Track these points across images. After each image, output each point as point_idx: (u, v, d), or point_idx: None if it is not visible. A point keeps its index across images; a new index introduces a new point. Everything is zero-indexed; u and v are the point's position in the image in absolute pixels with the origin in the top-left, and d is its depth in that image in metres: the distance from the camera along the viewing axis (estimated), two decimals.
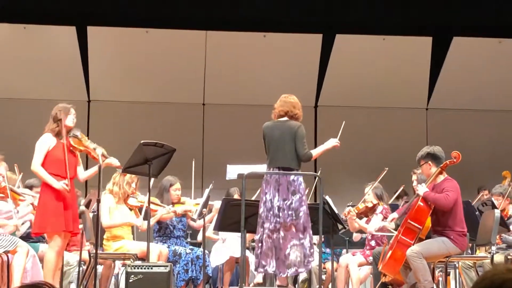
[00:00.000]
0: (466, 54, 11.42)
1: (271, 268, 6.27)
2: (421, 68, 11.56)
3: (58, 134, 6.14)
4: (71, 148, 6.18)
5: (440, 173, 6.59)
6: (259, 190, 6.97)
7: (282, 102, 6.51)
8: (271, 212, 6.27)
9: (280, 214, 6.24)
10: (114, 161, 6.38)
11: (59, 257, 6.15)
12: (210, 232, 7.91)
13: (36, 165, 6.06)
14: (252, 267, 7.44)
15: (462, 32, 11.39)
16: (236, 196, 7.86)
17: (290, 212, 6.24)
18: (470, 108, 11.89)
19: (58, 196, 6.04)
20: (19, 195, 6.67)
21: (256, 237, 6.34)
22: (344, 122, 6.48)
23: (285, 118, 6.45)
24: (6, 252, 6.27)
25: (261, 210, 6.31)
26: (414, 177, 7.30)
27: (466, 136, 11.65)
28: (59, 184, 6.01)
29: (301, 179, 6.39)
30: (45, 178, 6.05)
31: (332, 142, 6.58)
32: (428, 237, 6.59)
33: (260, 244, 6.29)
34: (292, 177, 6.30)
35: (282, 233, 6.24)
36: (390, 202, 8.12)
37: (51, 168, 6.07)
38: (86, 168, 7.24)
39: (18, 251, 6.26)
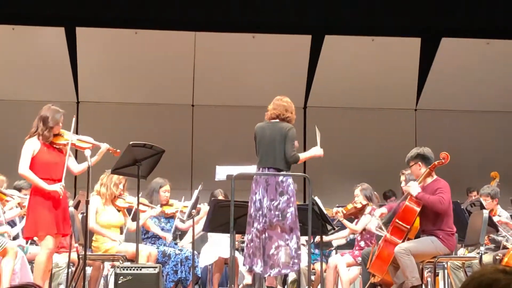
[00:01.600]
0: (454, 55, 11.46)
1: (258, 268, 6.29)
2: (410, 69, 11.60)
3: (44, 138, 6.08)
4: (54, 146, 6.13)
5: (429, 174, 6.61)
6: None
7: (275, 105, 6.53)
8: (260, 212, 6.29)
9: (267, 214, 6.27)
10: (103, 147, 6.25)
11: (50, 259, 6.12)
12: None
13: (23, 169, 6.00)
14: (241, 267, 7.44)
15: (450, 33, 11.44)
16: (220, 198, 7.87)
17: (276, 213, 6.27)
18: (458, 109, 11.94)
19: (48, 198, 5.99)
20: (5, 196, 6.64)
21: (248, 236, 6.35)
22: (317, 128, 6.52)
23: (277, 120, 6.47)
24: None
25: (251, 210, 6.33)
26: (402, 178, 7.32)
27: (455, 136, 11.70)
28: (51, 187, 5.98)
29: (290, 180, 6.39)
30: (35, 181, 6.01)
31: (318, 152, 6.60)
32: (417, 237, 6.61)
33: (251, 244, 6.31)
34: (280, 178, 6.32)
35: (267, 233, 6.27)
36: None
37: (39, 173, 6.02)
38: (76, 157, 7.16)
39: (7, 253, 6.24)
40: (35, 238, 6.39)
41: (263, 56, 11.39)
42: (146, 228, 7.52)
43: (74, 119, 6.23)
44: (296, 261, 6.33)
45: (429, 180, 6.62)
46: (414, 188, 6.52)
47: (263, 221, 6.28)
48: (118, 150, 6.35)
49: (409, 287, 6.36)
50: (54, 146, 6.12)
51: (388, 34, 11.42)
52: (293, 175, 6.54)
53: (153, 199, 7.60)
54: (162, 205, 7.57)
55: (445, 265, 7.41)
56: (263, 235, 6.28)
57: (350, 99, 11.75)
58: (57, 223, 6.01)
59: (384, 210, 7.01)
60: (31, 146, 6.04)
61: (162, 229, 7.65)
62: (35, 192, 6.05)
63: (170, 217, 7.68)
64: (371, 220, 7.46)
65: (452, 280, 7.25)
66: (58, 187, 5.98)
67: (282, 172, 6.37)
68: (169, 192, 7.69)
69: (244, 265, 6.51)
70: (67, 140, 6.10)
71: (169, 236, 7.39)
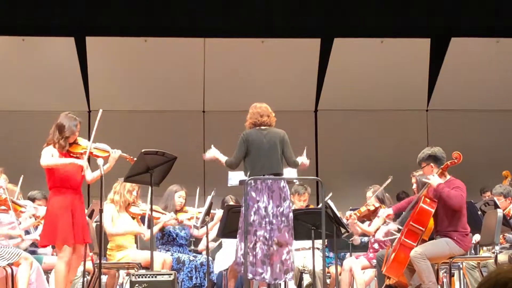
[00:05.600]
0: (464, 54, 11.43)
1: (268, 276, 6.31)
2: (420, 69, 11.58)
3: (59, 147, 6.09)
4: (71, 154, 6.15)
5: (442, 174, 6.59)
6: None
7: (250, 114, 6.73)
8: (266, 220, 6.33)
9: (274, 221, 6.32)
10: (115, 154, 6.25)
11: (69, 268, 6.11)
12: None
13: (47, 160, 5.99)
14: None
15: (460, 33, 11.41)
16: (231, 203, 7.89)
17: (283, 219, 6.36)
18: (470, 108, 11.89)
19: (66, 206, 6.00)
20: (20, 207, 6.66)
21: (249, 245, 6.35)
22: (306, 147, 6.69)
23: (264, 127, 6.54)
24: (10, 265, 6.27)
25: (252, 218, 6.35)
26: (413, 180, 7.30)
27: (467, 136, 11.65)
28: (73, 160, 5.98)
29: (287, 185, 6.48)
30: (59, 162, 5.97)
31: (304, 160, 6.73)
32: (431, 238, 6.59)
33: (254, 252, 6.32)
34: (282, 183, 6.41)
35: (276, 240, 6.31)
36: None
37: (57, 181, 6.03)
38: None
39: (22, 263, 6.26)
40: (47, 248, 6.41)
41: (272, 61, 11.40)
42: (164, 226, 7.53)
43: (97, 120, 6.21)
44: (294, 265, 6.54)
45: (443, 180, 6.60)
46: (434, 179, 6.47)
47: (269, 228, 6.31)
48: (134, 158, 6.37)
49: None
50: (71, 154, 6.13)
51: (397, 36, 11.40)
52: (306, 179, 6.57)
53: (168, 205, 7.62)
54: (176, 211, 7.59)
55: (461, 266, 7.38)
56: (270, 242, 6.31)
57: (360, 101, 11.73)
58: (75, 232, 6.01)
59: (390, 211, 6.98)
60: (50, 152, 6.06)
61: (177, 235, 7.66)
62: (53, 200, 6.05)
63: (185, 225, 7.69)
64: (381, 228, 7.45)
65: (468, 280, 7.23)
66: (83, 162, 5.97)
67: (294, 177, 6.40)
68: (184, 198, 7.71)
69: (244, 275, 6.48)
70: (84, 149, 6.11)
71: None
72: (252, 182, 6.37)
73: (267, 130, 6.58)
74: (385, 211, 7.03)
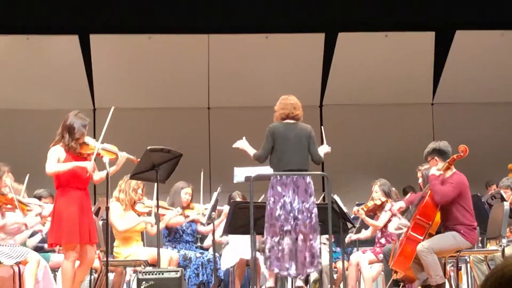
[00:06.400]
0: (469, 47, 11.40)
1: (292, 271, 6.30)
2: (425, 63, 11.55)
3: (71, 149, 6.05)
4: (78, 155, 6.13)
5: (448, 168, 6.58)
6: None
7: (283, 104, 6.56)
8: (291, 215, 6.30)
9: (300, 216, 6.29)
10: (122, 158, 6.23)
11: (74, 267, 6.09)
12: (217, 237, 7.91)
13: (51, 167, 5.96)
14: (263, 269, 7.44)
15: (464, 26, 11.37)
16: (238, 199, 7.88)
17: (308, 214, 6.33)
18: (475, 101, 11.86)
19: (72, 205, 5.97)
20: (26, 206, 6.67)
21: (275, 239, 6.33)
22: (322, 127, 6.65)
23: (292, 121, 6.49)
24: (17, 263, 6.28)
25: (278, 212, 6.31)
26: (419, 174, 7.28)
27: (473, 129, 11.62)
28: (76, 163, 5.95)
29: (312, 181, 6.47)
30: (66, 167, 5.92)
31: (326, 149, 6.71)
32: (438, 232, 6.58)
33: (280, 247, 6.29)
34: (308, 179, 6.38)
35: (301, 236, 6.29)
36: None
37: (64, 182, 6.00)
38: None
39: (29, 262, 6.27)
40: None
41: (277, 56, 11.39)
42: (169, 227, 7.53)
43: (111, 110, 6.18)
44: (320, 260, 6.44)
45: (449, 173, 6.59)
46: (431, 170, 6.50)
47: (295, 223, 6.29)
48: (138, 159, 6.36)
49: (434, 286, 6.33)
50: (79, 155, 6.10)
51: (401, 29, 11.37)
52: (311, 174, 6.55)
53: (175, 201, 7.63)
54: (183, 208, 7.59)
55: (468, 259, 7.37)
56: (295, 237, 6.29)
57: (365, 95, 11.72)
58: (81, 231, 5.98)
59: (402, 204, 6.98)
60: (56, 154, 6.00)
61: (183, 232, 7.67)
62: (60, 199, 6.04)
63: (192, 221, 7.69)
64: (392, 220, 7.45)
65: (475, 273, 7.21)
66: (88, 164, 5.96)
67: (300, 172, 6.37)
68: (191, 195, 7.71)
69: (270, 268, 6.47)
70: (92, 150, 6.07)
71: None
72: (278, 177, 6.35)
73: (295, 124, 6.52)
74: (398, 204, 7.03)
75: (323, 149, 6.71)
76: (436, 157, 6.58)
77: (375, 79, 11.61)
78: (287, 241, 6.29)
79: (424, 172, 7.06)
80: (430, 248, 6.31)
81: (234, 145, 6.76)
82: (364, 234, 7.93)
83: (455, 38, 11.36)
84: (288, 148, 6.42)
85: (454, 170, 6.62)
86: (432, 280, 6.31)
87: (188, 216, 7.58)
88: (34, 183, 7.39)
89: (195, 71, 11.40)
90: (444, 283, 6.37)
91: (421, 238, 6.44)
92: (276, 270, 6.37)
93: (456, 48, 11.40)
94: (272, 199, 6.33)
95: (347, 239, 7.80)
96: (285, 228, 6.29)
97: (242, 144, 6.71)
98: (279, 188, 6.34)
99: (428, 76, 11.70)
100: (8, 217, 6.60)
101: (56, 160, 5.97)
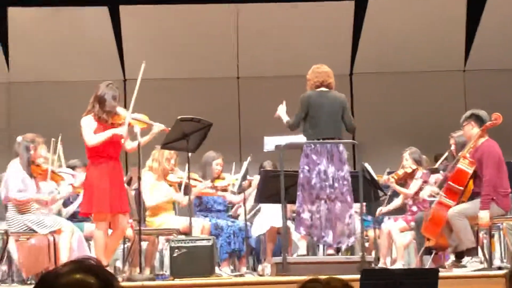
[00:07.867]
0: (503, 10, 11.16)
1: (329, 239, 6.30)
2: (457, 27, 11.36)
3: (102, 120, 6.10)
4: (110, 125, 6.16)
5: (482, 135, 6.52)
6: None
7: (316, 73, 6.53)
8: (327, 183, 6.28)
9: (336, 185, 6.28)
10: (156, 129, 6.28)
11: (106, 235, 6.17)
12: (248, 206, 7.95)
13: (92, 139, 6.02)
14: (294, 237, 7.47)
15: None
16: (269, 169, 7.88)
17: (344, 182, 6.31)
18: (509, 67, 11.66)
19: (103, 175, 6.03)
20: (59, 176, 6.75)
21: (312, 208, 6.32)
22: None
23: (326, 89, 6.48)
24: (51, 233, 6.37)
25: (313, 181, 6.30)
26: (451, 141, 7.22)
27: (506, 97, 11.44)
28: (113, 131, 6.01)
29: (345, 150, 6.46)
30: (106, 137, 6.00)
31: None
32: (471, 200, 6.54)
33: (318, 216, 6.29)
34: (341, 147, 6.36)
35: (339, 204, 6.27)
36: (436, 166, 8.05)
37: (96, 151, 6.06)
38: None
39: (63, 231, 6.35)
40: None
41: (306, 25, 11.30)
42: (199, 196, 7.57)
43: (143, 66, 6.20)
44: (355, 232, 6.52)
45: (481, 140, 6.53)
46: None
47: (329, 192, 6.28)
48: (169, 128, 6.39)
49: (464, 249, 6.31)
50: (110, 124, 6.15)
51: None
52: (342, 142, 6.52)
53: (206, 172, 7.65)
54: (214, 179, 7.62)
55: (501, 226, 7.31)
56: (331, 206, 6.28)
57: (395, 63, 11.59)
58: (112, 201, 6.04)
59: (439, 176, 6.95)
60: (88, 125, 6.08)
61: (215, 202, 7.71)
62: (91, 170, 6.10)
63: (223, 190, 7.72)
64: (425, 188, 7.41)
65: (509, 240, 7.15)
66: (123, 130, 6.00)
67: (331, 140, 6.35)
68: (222, 166, 7.73)
69: (310, 236, 6.46)
70: (123, 120, 6.12)
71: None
72: (312, 145, 6.34)
73: (329, 93, 6.51)
74: (434, 176, 7.01)
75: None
76: (472, 122, 6.53)
77: (405, 47, 11.47)
78: (324, 210, 6.28)
79: (457, 139, 7.00)
80: (461, 213, 6.28)
81: (275, 115, 6.76)
82: (394, 204, 7.89)
83: (488, 1, 11.15)
84: (322, 116, 6.40)
85: (487, 137, 6.55)
86: (462, 245, 6.28)
87: (218, 188, 7.59)
88: (67, 153, 7.46)
89: (224, 41, 11.36)
90: (476, 248, 6.34)
91: (453, 203, 6.40)
92: (315, 239, 6.38)
93: (489, 11, 11.18)
94: (306, 167, 6.31)
95: (377, 212, 7.77)
96: (322, 196, 6.29)
97: (279, 110, 6.72)
98: (313, 156, 6.32)
99: (460, 42, 11.52)
100: (42, 187, 6.70)
101: (91, 130, 6.04)
